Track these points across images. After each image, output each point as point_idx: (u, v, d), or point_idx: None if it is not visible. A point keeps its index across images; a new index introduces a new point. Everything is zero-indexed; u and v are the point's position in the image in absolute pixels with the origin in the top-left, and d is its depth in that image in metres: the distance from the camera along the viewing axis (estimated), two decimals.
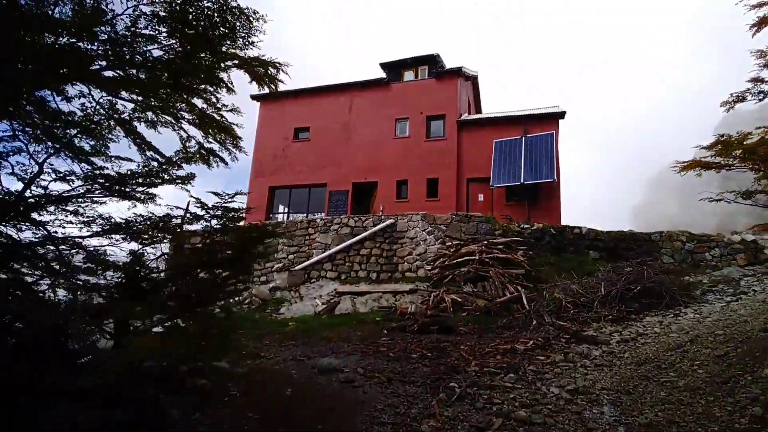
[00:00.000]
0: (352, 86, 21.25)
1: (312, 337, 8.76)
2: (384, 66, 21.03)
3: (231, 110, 5.52)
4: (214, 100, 5.27)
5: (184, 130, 5.41)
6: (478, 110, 25.06)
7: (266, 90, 6.00)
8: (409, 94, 20.41)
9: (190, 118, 5.30)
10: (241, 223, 5.98)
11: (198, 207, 5.09)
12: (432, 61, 20.41)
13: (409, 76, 20.92)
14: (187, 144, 5.48)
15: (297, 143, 21.64)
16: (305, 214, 20.77)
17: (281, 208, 21.97)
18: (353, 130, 20.78)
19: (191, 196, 5.06)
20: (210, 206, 5.11)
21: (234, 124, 5.74)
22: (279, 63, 5.49)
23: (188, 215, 5.01)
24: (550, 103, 18.22)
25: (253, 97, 22.83)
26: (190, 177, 4.92)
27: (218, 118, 5.51)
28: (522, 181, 16.70)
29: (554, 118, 18.19)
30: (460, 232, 13.23)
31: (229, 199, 5.21)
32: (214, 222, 5.20)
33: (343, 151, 20.64)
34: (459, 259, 11.64)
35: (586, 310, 8.86)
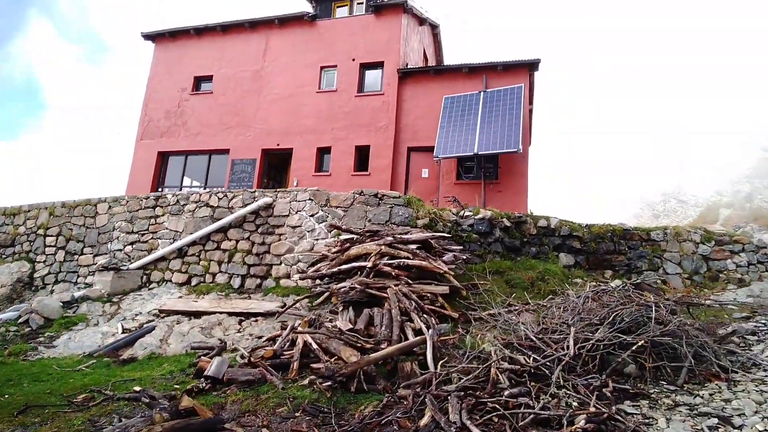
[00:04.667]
0: (268, 23, 16.22)
1: None
2: None
3: None
4: None
5: None
6: None
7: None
8: (340, 35, 15.51)
9: None
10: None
11: None
12: None
13: (342, 11, 15.99)
14: None
15: (197, 96, 16.63)
16: (203, 187, 15.95)
17: (182, 180, 17.04)
18: (267, 81, 15.86)
19: None
20: None
21: None
22: None
23: None
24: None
25: (146, 36, 17.64)
26: None
27: None
28: (476, 151, 12.14)
29: (524, 67, 13.56)
30: (364, 220, 8.66)
31: None
32: None
33: (253, 108, 15.74)
34: (345, 265, 7.07)
35: (536, 387, 4.41)
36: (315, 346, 5.43)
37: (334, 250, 7.47)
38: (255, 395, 4.72)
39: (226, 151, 15.71)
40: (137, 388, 5.17)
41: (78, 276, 10.22)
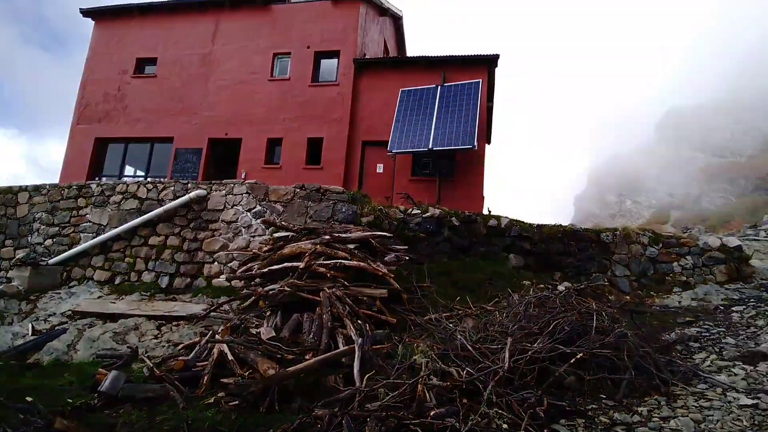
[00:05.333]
0: (220, 4, 15.24)
1: None
2: None
3: None
4: None
5: None
6: None
7: None
8: (295, 21, 14.77)
9: None
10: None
11: None
12: None
13: None
14: None
15: (139, 80, 15.48)
16: (144, 177, 14.89)
17: (122, 169, 15.83)
18: (216, 66, 14.93)
19: None
20: None
21: None
22: None
23: None
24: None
25: (85, 12, 16.30)
26: None
27: None
28: (430, 146, 11.75)
29: (482, 63, 13.27)
30: (305, 216, 8.08)
31: None
32: None
33: (200, 94, 14.78)
34: (277, 266, 6.49)
35: (467, 405, 4.00)
36: (231, 357, 4.84)
37: (265, 248, 6.86)
38: (150, 416, 4.11)
39: (170, 140, 14.70)
40: (29, 399, 4.49)
41: (9, 269, 9.16)
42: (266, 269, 6.45)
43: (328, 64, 14.45)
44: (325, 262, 6.33)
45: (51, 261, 8.64)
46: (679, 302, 8.01)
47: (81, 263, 8.69)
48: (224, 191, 8.46)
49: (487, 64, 13.40)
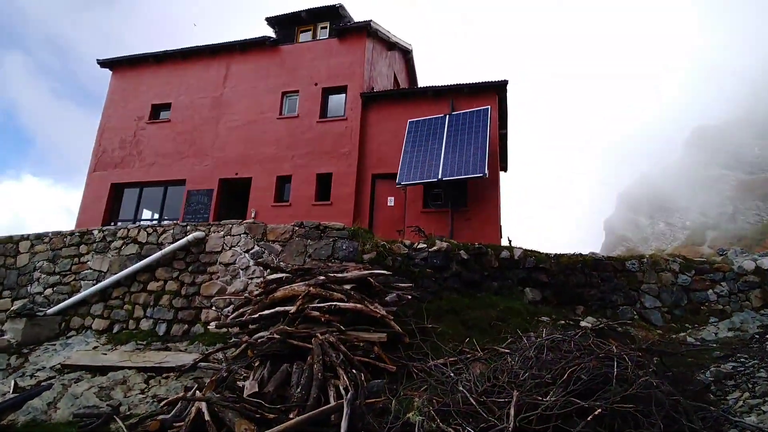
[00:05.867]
0: (230, 48, 15.62)
1: None
2: (272, 22, 15.53)
3: None
4: None
5: None
6: None
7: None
8: (303, 60, 14.92)
9: None
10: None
11: None
12: (335, 16, 15.02)
13: (306, 36, 15.46)
14: None
15: (154, 125, 15.82)
16: (157, 220, 14.95)
17: (137, 213, 15.97)
18: (226, 108, 15.12)
19: None
20: None
21: None
22: None
23: None
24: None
25: (102, 63, 16.97)
26: None
27: None
28: (440, 176, 11.35)
29: (491, 89, 12.96)
30: (303, 255, 7.70)
31: None
32: None
33: (211, 136, 14.94)
34: (268, 310, 6.07)
35: None
36: (207, 416, 4.38)
37: (256, 292, 6.48)
38: None
39: (182, 182, 14.80)
40: None
41: (3, 322, 9.08)
42: (257, 314, 6.04)
43: (336, 100, 14.43)
44: (318, 305, 5.89)
45: (49, 311, 8.47)
46: (716, 334, 7.19)
47: (80, 312, 8.49)
48: (222, 232, 8.21)
49: (496, 90, 13.09)
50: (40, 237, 9.55)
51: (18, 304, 8.85)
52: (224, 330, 7.40)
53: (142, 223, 14.84)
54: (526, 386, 4.29)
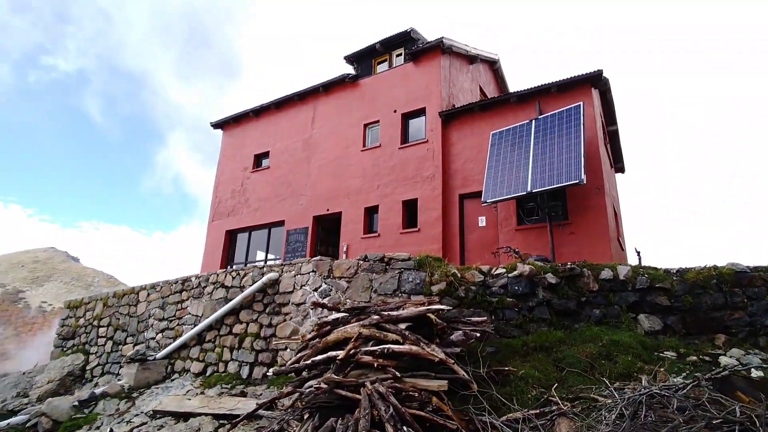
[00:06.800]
0: (314, 91, 16.35)
1: None
2: (350, 59, 15.92)
3: None
4: None
5: None
6: None
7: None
8: (381, 89, 14.93)
9: None
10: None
11: None
12: (408, 41, 14.85)
13: (383, 67, 15.51)
14: None
15: (257, 173, 17.12)
16: (264, 262, 15.90)
17: (247, 255, 17.28)
18: (315, 148, 15.73)
19: None
20: None
21: None
22: None
23: None
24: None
25: (215, 125, 19.05)
26: None
27: None
28: (529, 189, 10.11)
29: (583, 84, 11.37)
30: (369, 291, 7.21)
31: None
32: None
33: (303, 176, 15.61)
34: (321, 355, 5.68)
35: None
36: None
37: (308, 336, 6.15)
38: None
39: (281, 223, 15.61)
40: None
41: (121, 367, 10.24)
42: (310, 360, 5.69)
43: (416, 124, 14.05)
44: (371, 348, 5.32)
45: (158, 355, 9.23)
46: None
47: (182, 355, 9.12)
48: (293, 272, 8.18)
49: (591, 82, 11.47)
50: (154, 286, 10.68)
51: (138, 348, 9.83)
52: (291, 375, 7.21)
53: (256, 264, 15.94)
54: None
